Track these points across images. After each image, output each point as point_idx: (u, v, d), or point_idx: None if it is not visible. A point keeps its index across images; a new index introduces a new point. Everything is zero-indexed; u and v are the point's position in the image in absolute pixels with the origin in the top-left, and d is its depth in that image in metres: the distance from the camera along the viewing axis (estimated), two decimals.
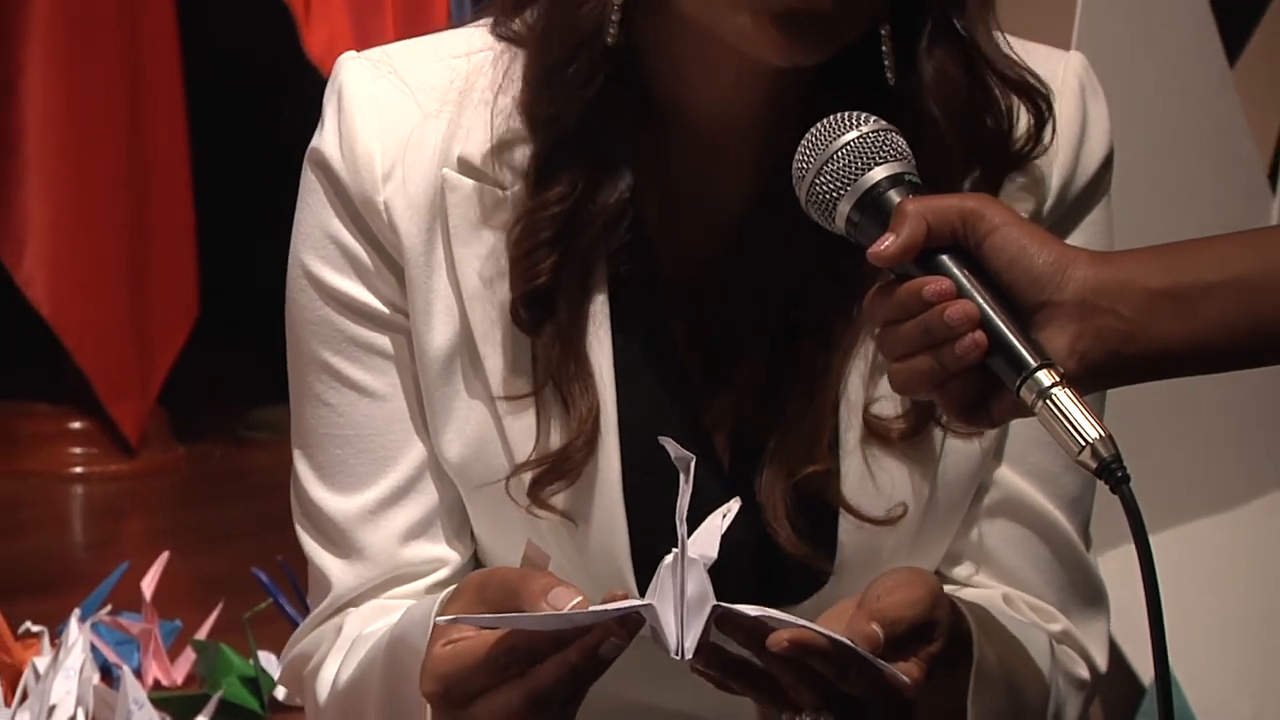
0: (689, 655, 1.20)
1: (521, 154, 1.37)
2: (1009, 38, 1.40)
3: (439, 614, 1.27)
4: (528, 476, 1.37)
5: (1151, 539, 1.21)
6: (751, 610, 1.20)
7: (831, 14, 1.29)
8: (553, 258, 1.36)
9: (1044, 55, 1.42)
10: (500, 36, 1.39)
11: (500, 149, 1.38)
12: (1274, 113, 2.77)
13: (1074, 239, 1.42)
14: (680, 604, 1.20)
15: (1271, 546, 2.52)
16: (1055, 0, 2.27)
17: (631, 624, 1.21)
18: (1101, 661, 1.46)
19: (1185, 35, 2.47)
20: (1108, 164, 1.44)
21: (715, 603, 1.20)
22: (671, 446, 1.21)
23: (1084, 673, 1.45)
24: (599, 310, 1.38)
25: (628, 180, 1.37)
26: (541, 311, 1.36)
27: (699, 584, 1.20)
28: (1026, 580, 1.44)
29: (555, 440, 1.37)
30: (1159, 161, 2.34)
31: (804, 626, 1.21)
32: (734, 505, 1.25)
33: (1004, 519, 1.44)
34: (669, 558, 1.21)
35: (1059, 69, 1.42)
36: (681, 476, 1.20)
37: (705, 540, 1.23)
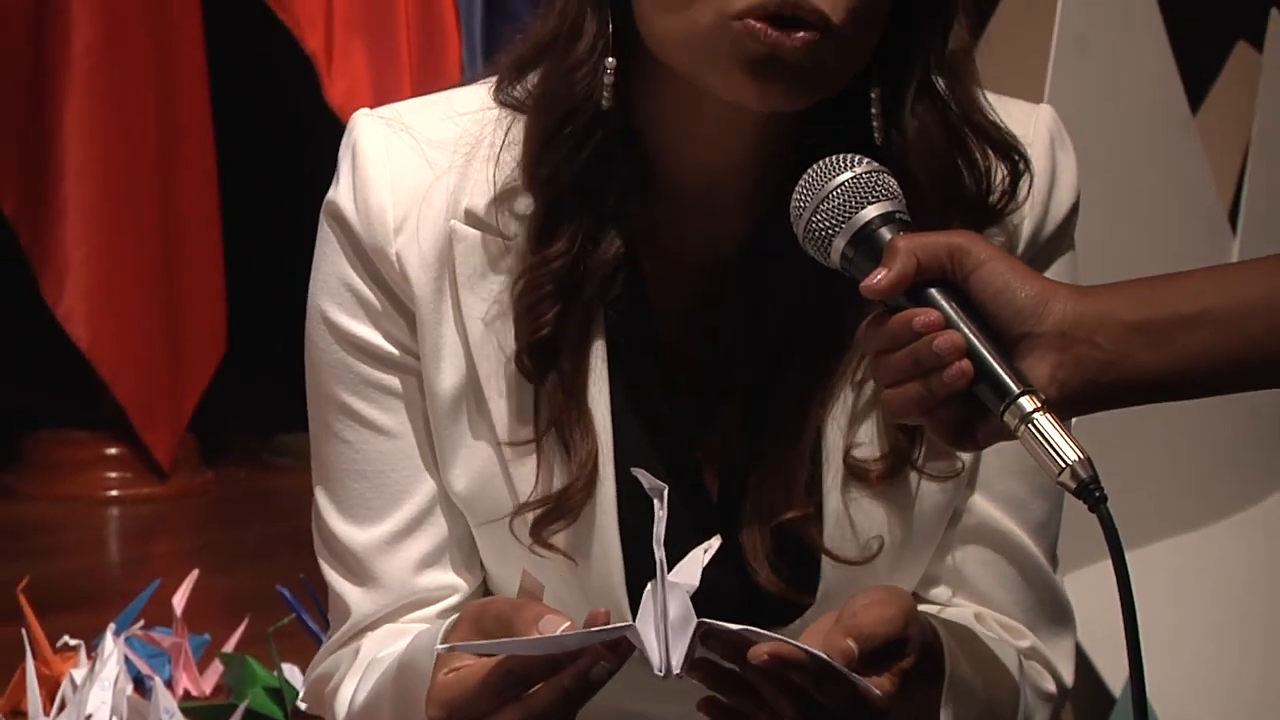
0: (675, 672, 1.20)
1: (524, 209, 1.37)
2: (989, 94, 1.40)
3: (440, 643, 1.27)
4: (531, 516, 1.36)
5: (1126, 556, 1.21)
6: (734, 627, 1.21)
7: (801, 62, 1.28)
8: (555, 309, 1.36)
9: (1017, 109, 1.43)
10: (502, 103, 1.39)
11: (504, 204, 1.38)
12: (1234, 158, 2.77)
13: (1047, 275, 1.42)
14: (663, 624, 1.20)
15: (1234, 566, 2.52)
16: (1030, 53, 2.27)
17: (621, 649, 1.21)
18: (1068, 676, 1.46)
19: (1151, 86, 2.48)
20: (1074, 210, 1.44)
21: (699, 620, 1.20)
22: (645, 477, 1.22)
23: (1051, 687, 1.44)
24: (598, 358, 1.38)
25: (621, 242, 1.36)
26: (545, 361, 1.36)
27: (681, 606, 1.20)
28: (997, 600, 1.44)
29: (557, 482, 1.37)
30: (1127, 204, 2.34)
31: (783, 641, 1.21)
32: (714, 542, 1.26)
33: (976, 544, 1.44)
34: (650, 585, 1.21)
35: (1030, 123, 1.43)
36: (656, 503, 1.21)
37: (687, 570, 1.23)
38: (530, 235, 1.36)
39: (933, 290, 1.23)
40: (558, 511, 1.37)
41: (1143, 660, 1.18)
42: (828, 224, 1.26)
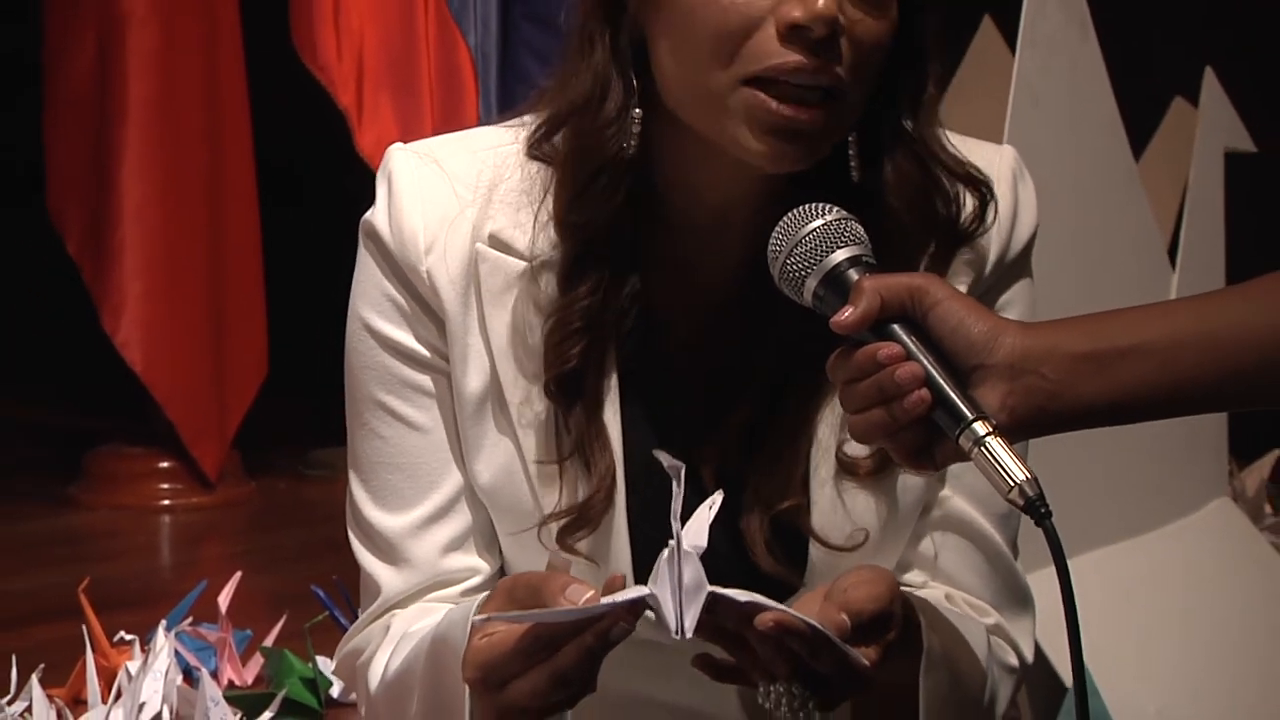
0: (689, 634, 1.20)
1: (545, 238, 1.37)
2: (955, 135, 1.41)
3: (476, 614, 1.27)
4: (555, 526, 1.36)
5: (1074, 561, 1.20)
6: (742, 596, 1.21)
7: (814, 131, 1.29)
8: (581, 344, 1.36)
9: (983, 149, 1.43)
10: (534, 157, 1.39)
11: (523, 230, 1.38)
12: (1172, 201, 2.77)
13: (1006, 296, 1.44)
14: (679, 590, 1.20)
15: (1174, 568, 2.51)
16: (990, 107, 2.27)
17: (637, 609, 1.21)
18: (1028, 652, 1.47)
19: (1098, 136, 2.48)
20: (1034, 238, 1.45)
21: (711, 588, 1.20)
22: (664, 457, 1.22)
23: (1014, 660, 1.45)
24: (612, 384, 1.38)
25: (639, 281, 1.37)
26: (571, 389, 1.37)
27: (694, 572, 1.20)
28: (965, 583, 1.45)
29: (580, 495, 1.37)
30: (1077, 242, 2.34)
31: (785, 611, 1.21)
32: (718, 497, 1.26)
33: (947, 532, 1.44)
34: (666, 550, 1.21)
35: (995, 161, 1.43)
36: (674, 482, 1.21)
37: (696, 530, 1.23)
38: (560, 277, 1.37)
39: (895, 326, 1.23)
40: (581, 521, 1.37)
41: (1083, 657, 1.19)
42: (801, 266, 1.26)
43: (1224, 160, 2.74)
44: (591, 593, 1.22)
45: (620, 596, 1.21)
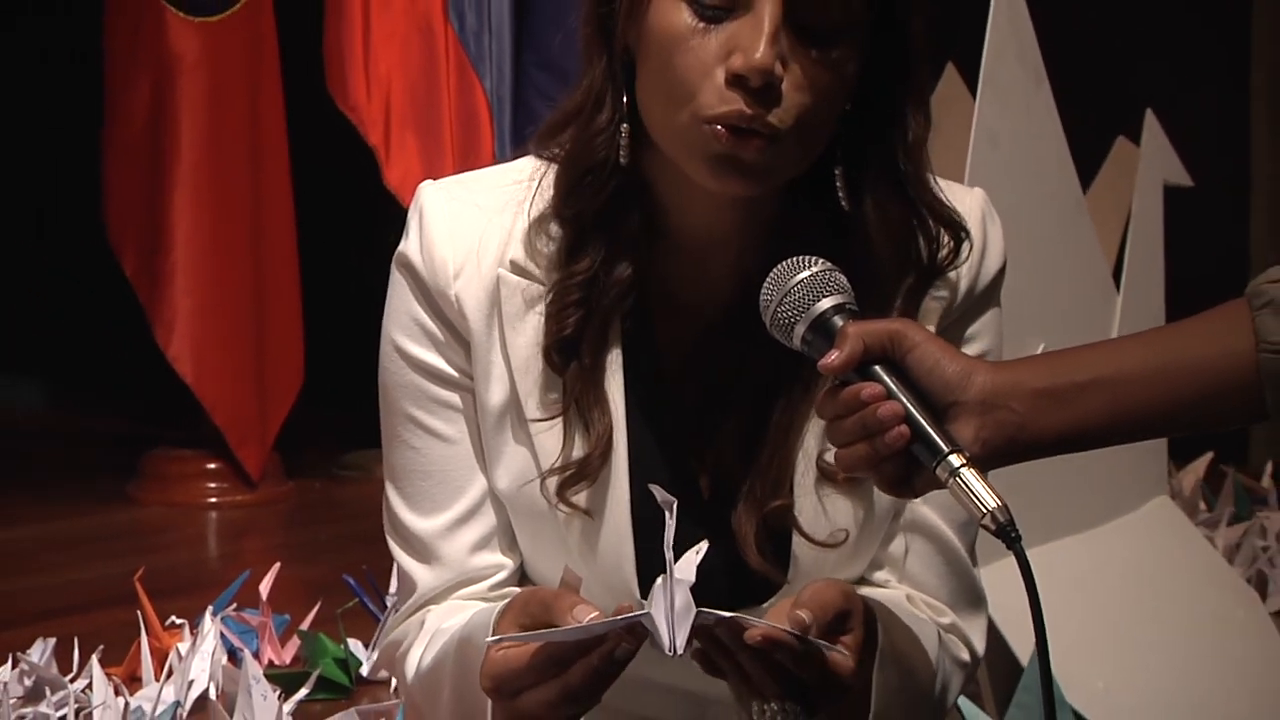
0: (680, 651, 1.20)
1: (554, 250, 1.37)
2: (935, 177, 1.40)
3: (492, 632, 1.27)
4: (554, 481, 1.36)
5: (1031, 553, 1.20)
6: (724, 614, 1.21)
7: (754, 162, 1.28)
8: (578, 314, 1.35)
9: (955, 190, 1.42)
10: (539, 155, 1.39)
11: (540, 255, 1.38)
12: (1116, 230, 2.77)
13: (975, 327, 1.43)
14: (671, 614, 1.20)
15: (1118, 561, 2.51)
16: (952, 146, 2.27)
17: (638, 633, 1.21)
18: (980, 647, 1.46)
19: (1050, 172, 2.48)
20: (1002, 272, 1.43)
21: (699, 609, 1.20)
22: (658, 492, 1.22)
23: (966, 656, 1.44)
24: (614, 359, 1.37)
25: (632, 267, 1.36)
26: (568, 354, 1.36)
27: (684, 598, 1.20)
28: (926, 584, 1.44)
29: (578, 452, 1.36)
30: (1032, 266, 2.34)
31: (770, 626, 1.21)
32: (702, 547, 1.25)
33: (913, 536, 1.43)
34: (659, 580, 1.21)
35: (966, 201, 1.42)
36: (666, 514, 1.21)
37: (685, 567, 1.23)
38: (559, 257, 1.36)
39: (876, 367, 1.22)
40: (579, 475, 1.36)
41: (1048, 644, 1.19)
42: (790, 313, 1.25)
43: (1163, 193, 2.74)
44: (596, 613, 1.22)
45: (620, 618, 1.20)
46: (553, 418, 1.36)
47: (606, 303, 1.36)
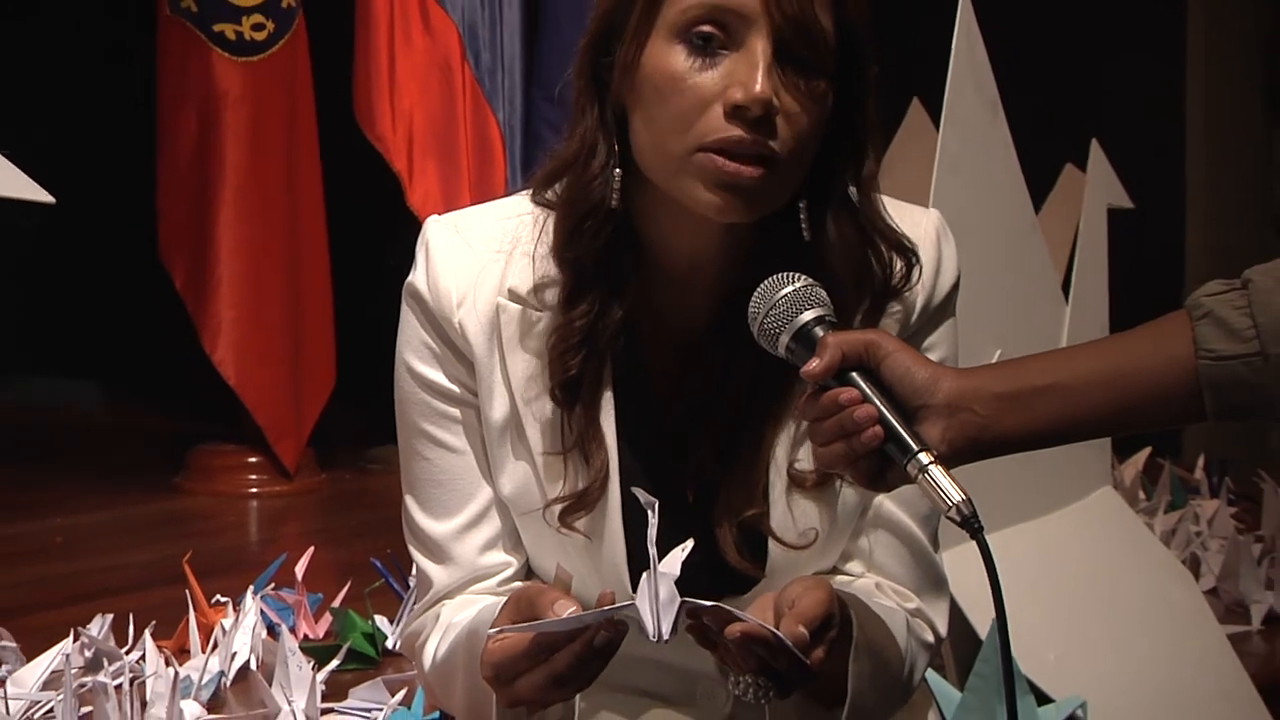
0: (665, 638, 1.20)
1: (553, 285, 1.36)
2: (891, 200, 1.39)
3: (491, 625, 1.27)
4: (558, 508, 1.36)
5: (989, 538, 1.20)
6: (707, 603, 1.21)
7: (753, 187, 1.27)
8: (579, 356, 1.35)
9: (913, 212, 1.42)
10: (537, 203, 1.38)
11: (538, 284, 1.37)
12: (1065, 247, 2.77)
13: (933, 338, 1.42)
14: (655, 603, 1.20)
15: (1067, 543, 2.51)
16: (918, 173, 2.26)
17: (617, 623, 1.21)
18: (943, 629, 1.46)
19: (1006, 196, 2.48)
20: (955, 287, 1.43)
21: (683, 599, 1.20)
22: (641, 495, 1.22)
23: (930, 637, 1.44)
24: (608, 395, 1.36)
25: (627, 303, 1.36)
26: (572, 394, 1.35)
27: (668, 589, 1.20)
28: (893, 573, 1.43)
29: (580, 483, 1.35)
30: (991, 280, 2.33)
31: (752, 621, 1.21)
32: (689, 544, 1.25)
33: (879, 529, 1.43)
34: (646, 574, 1.21)
35: (923, 222, 1.42)
36: (650, 513, 1.21)
37: (670, 564, 1.23)
38: (561, 301, 1.35)
39: (853, 374, 1.22)
40: (579, 504, 1.36)
41: (1007, 621, 1.18)
42: (775, 325, 1.25)
43: (1107, 214, 2.74)
44: (574, 607, 1.22)
45: (607, 609, 1.20)
46: (558, 453, 1.35)
47: (604, 342, 1.35)
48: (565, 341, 1.34)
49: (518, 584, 1.40)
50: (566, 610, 1.21)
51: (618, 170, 1.32)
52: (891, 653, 1.36)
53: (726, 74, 1.26)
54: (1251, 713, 2.36)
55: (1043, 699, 2.22)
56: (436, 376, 1.39)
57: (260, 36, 3.67)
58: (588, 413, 1.35)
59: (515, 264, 1.37)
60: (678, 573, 1.20)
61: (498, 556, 1.41)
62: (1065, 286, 2.62)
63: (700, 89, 1.27)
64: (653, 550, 1.19)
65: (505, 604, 1.30)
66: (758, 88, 1.24)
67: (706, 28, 1.26)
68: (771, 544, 1.37)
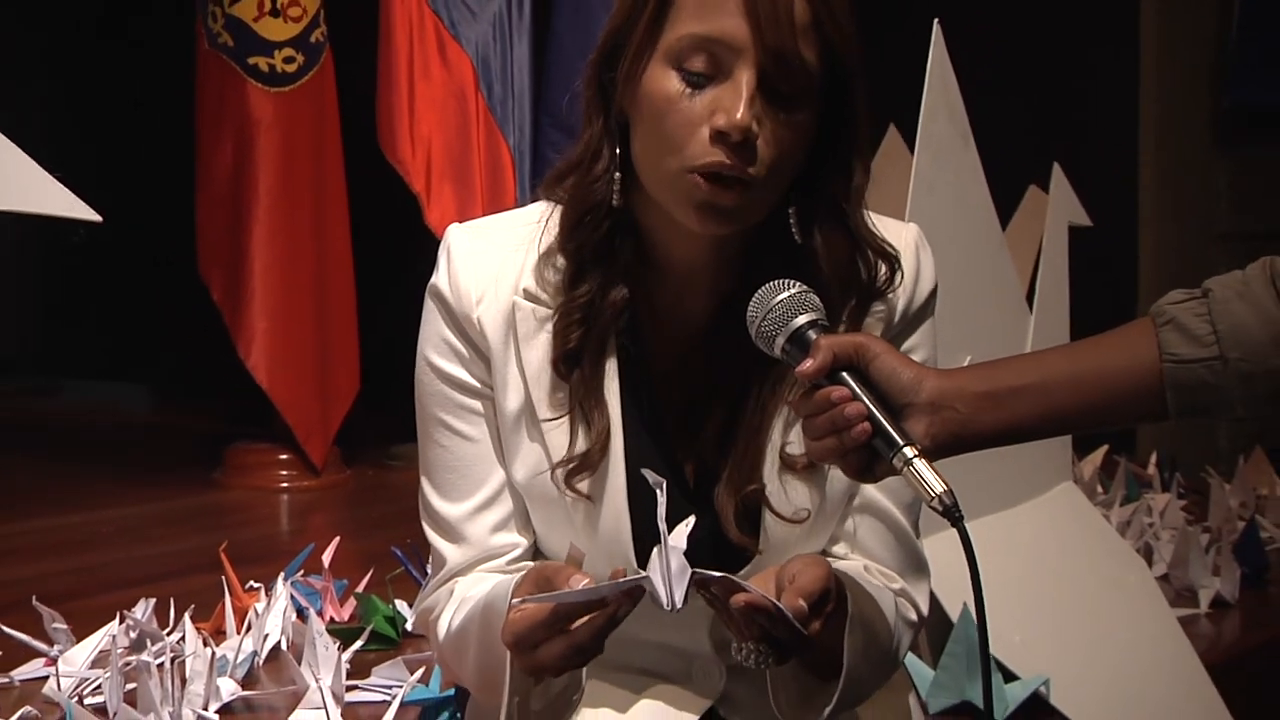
0: (679, 606, 1.19)
1: (559, 279, 1.37)
2: (874, 215, 1.40)
3: (513, 595, 1.26)
4: (561, 472, 1.34)
5: (952, 531, 1.19)
6: (715, 574, 1.20)
7: (730, 207, 1.27)
8: (579, 331, 1.35)
9: (893, 225, 1.42)
10: (548, 198, 1.38)
11: (549, 284, 1.37)
12: (1029, 260, 2.76)
13: (913, 339, 1.42)
14: (668, 575, 1.19)
15: (1030, 534, 2.50)
16: (895, 193, 2.26)
17: (635, 594, 1.20)
18: (925, 608, 1.46)
19: (975, 214, 2.47)
20: (933, 294, 1.43)
21: (693, 570, 1.19)
22: (649, 474, 1.21)
23: (913, 616, 1.44)
24: (611, 368, 1.37)
25: (626, 291, 1.36)
26: (572, 365, 1.36)
27: (679, 561, 1.19)
28: (878, 556, 1.43)
29: (581, 446, 1.35)
30: (962, 291, 2.33)
31: (756, 592, 1.20)
32: (691, 520, 1.25)
33: (865, 515, 1.43)
34: (656, 548, 1.20)
35: (903, 234, 1.42)
36: (658, 492, 1.20)
37: (677, 537, 1.22)
38: (563, 284, 1.36)
39: (844, 373, 1.22)
40: (582, 465, 1.35)
41: (984, 609, 1.18)
42: (772, 327, 1.25)
43: (1068, 231, 2.74)
44: (587, 580, 1.22)
45: (622, 581, 1.20)
46: (560, 417, 1.35)
47: (604, 321, 1.35)
48: (567, 317, 1.35)
49: (526, 563, 1.39)
50: (581, 583, 1.21)
51: (618, 173, 1.33)
52: (881, 628, 1.36)
53: (713, 100, 1.27)
54: (1199, 688, 2.35)
55: (1009, 677, 2.21)
56: (455, 370, 1.39)
57: (291, 69, 3.67)
58: (588, 382, 1.35)
59: (529, 266, 1.37)
60: (685, 545, 1.20)
61: (508, 537, 1.40)
62: (1030, 297, 2.62)
63: (689, 114, 1.28)
64: (663, 526, 1.19)
65: (524, 578, 1.29)
66: (739, 116, 1.25)
67: (699, 65, 1.27)
68: (768, 520, 1.37)
